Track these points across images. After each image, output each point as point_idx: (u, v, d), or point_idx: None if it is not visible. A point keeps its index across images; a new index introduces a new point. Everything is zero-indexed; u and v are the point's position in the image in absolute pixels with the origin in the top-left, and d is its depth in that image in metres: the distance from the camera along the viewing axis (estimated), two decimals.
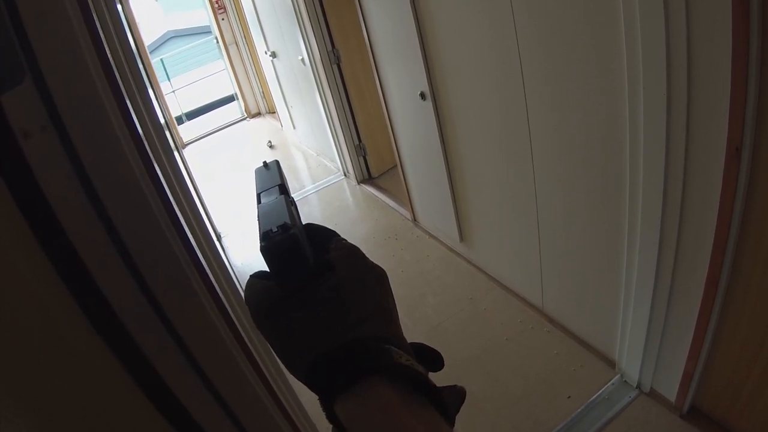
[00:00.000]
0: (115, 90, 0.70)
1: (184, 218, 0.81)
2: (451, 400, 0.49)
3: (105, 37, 0.78)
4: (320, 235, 0.57)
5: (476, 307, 3.10)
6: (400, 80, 3.26)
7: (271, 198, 0.58)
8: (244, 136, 8.19)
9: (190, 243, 0.75)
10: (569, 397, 2.38)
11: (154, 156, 0.77)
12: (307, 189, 5.40)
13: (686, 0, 1.35)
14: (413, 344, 0.53)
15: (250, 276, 0.54)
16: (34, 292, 0.61)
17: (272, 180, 0.62)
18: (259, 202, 0.58)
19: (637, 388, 2.31)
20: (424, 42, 2.73)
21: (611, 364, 2.45)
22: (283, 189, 0.59)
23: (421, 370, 0.47)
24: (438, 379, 0.48)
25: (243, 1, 6.30)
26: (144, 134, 0.78)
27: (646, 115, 1.61)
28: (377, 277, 0.54)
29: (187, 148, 8.30)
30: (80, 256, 0.63)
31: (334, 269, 0.50)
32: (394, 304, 0.55)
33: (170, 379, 0.73)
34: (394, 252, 3.85)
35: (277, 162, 0.67)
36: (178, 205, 0.79)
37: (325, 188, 5.32)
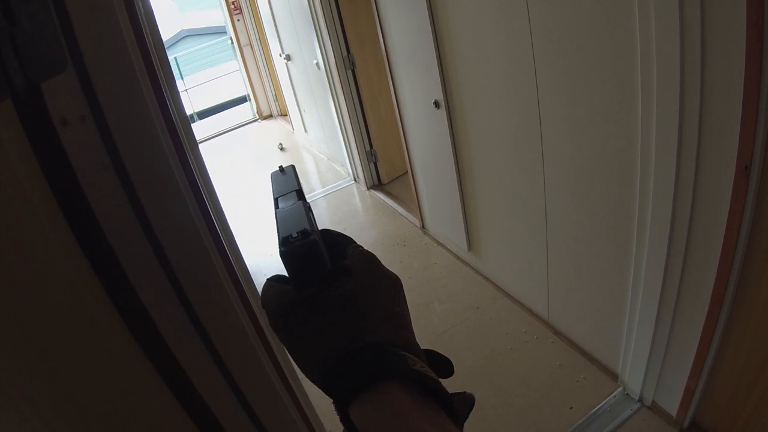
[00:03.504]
0: (154, 82, 0.71)
1: (212, 212, 0.82)
2: (460, 407, 0.50)
3: (144, 28, 0.80)
4: (337, 241, 0.58)
5: (482, 316, 3.12)
6: (414, 88, 3.28)
7: (289, 203, 0.58)
8: (255, 137, 8.21)
9: (220, 238, 0.76)
10: (571, 408, 2.39)
11: (185, 148, 0.79)
12: (316, 193, 5.41)
13: (701, 20, 1.37)
14: (424, 350, 0.55)
15: (267, 279, 0.55)
16: (67, 277, 0.63)
17: (289, 185, 0.63)
18: (276, 206, 0.59)
19: (638, 401, 2.32)
20: (440, 51, 2.75)
21: (614, 376, 2.46)
22: (301, 194, 0.60)
23: (434, 376, 0.48)
24: (445, 385, 0.50)
25: (259, 2, 6.32)
26: (176, 126, 0.80)
27: (658, 132, 1.63)
28: (392, 283, 0.55)
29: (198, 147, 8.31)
30: (112, 248, 0.65)
31: (350, 275, 0.51)
32: (408, 310, 0.56)
33: (191, 369, 0.74)
34: (402, 258, 3.86)
35: (293, 167, 0.67)
36: (206, 199, 0.81)
37: (334, 192, 5.34)
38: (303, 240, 0.50)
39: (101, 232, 0.64)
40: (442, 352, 0.56)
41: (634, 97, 1.68)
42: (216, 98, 11.28)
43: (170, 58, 11.81)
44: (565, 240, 2.41)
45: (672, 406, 2.15)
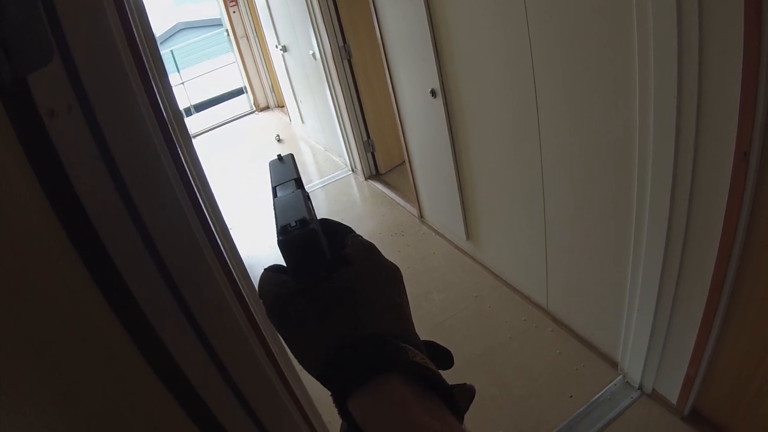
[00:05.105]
0: (143, 73, 0.70)
1: (204, 205, 0.82)
2: (461, 399, 0.49)
3: (132, 19, 0.79)
4: (336, 230, 0.57)
5: (481, 305, 3.12)
6: (411, 77, 3.26)
7: (288, 192, 0.57)
8: (253, 129, 8.20)
9: (211, 230, 0.76)
10: (571, 396, 2.39)
11: (176, 141, 0.78)
12: (314, 184, 5.41)
13: (699, 7, 1.36)
14: (424, 342, 0.54)
15: (265, 269, 0.54)
16: (60, 274, 0.62)
17: (288, 173, 0.62)
18: (275, 195, 0.58)
19: (638, 389, 2.32)
20: (437, 39, 2.74)
21: (614, 364, 2.46)
22: (299, 183, 0.60)
23: (434, 368, 0.48)
24: (444, 375, 0.49)
25: None
26: (167, 119, 0.79)
27: (656, 119, 1.62)
28: (392, 273, 0.54)
29: (195, 141, 8.30)
30: (102, 240, 0.64)
31: (350, 265, 0.50)
32: (407, 301, 0.55)
33: (186, 365, 0.74)
34: (400, 248, 3.86)
35: (292, 155, 0.66)
36: (198, 192, 0.80)
37: (332, 183, 5.33)
38: (302, 229, 0.49)
39: (91, 225, 0.63)
40: (441, 343, 0.55)
41: (631, 84, 1.67)
42: (213, 91, 11.26)
43: (166, 51, 11.84)
44: (564, 228, 2.40)
45: (672, 394, 2.15)
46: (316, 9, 4.34)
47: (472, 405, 0.51)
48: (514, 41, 2.12)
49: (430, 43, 2.75)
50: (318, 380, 0.49)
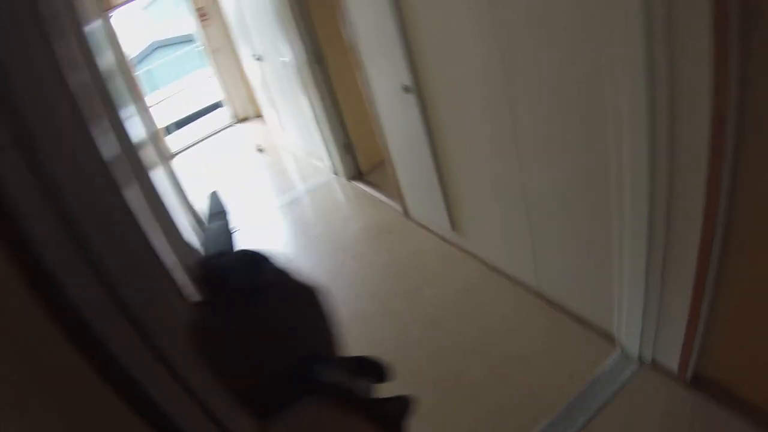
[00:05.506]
0: (85, 111, 0.70)
1: (163, 231, 0.81)
2: (395, 411, 0.51)
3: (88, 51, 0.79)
4: (254, 259, 0.58)
5: (472, 294, 3.11)
6: (383, 74, 3.25)
7: (213, 224, 0.61)
8: (234, 141, 8.18)
9: (161, 258, 0.75)
10: (571, 375, 2.38)
11: (128, 173, 0.78)
12: (298, 190, 5.39)
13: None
14: (354, 358, 0.55)
15: (189, 303, 0.56)
16: (10, 299, 0.61)
17: (217, 207, 0.65)
18: (206, 225, 0.61)
19: (638, 360, 2.31)
20: (407, 34, 2.73)
21: (611, 339, 2.45)
22: (225, 216, 0.62)
23: (361, 388, 0.50)
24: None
25: (226, 6, 6.36)
26: (115, 153, 0.79)
27: (631, 87, 1.62)
28: (311, 295, 0.55)
29: (177, 158, 8.27)
30: (52, 270, 0.63)
31: (268, 293, 0.52)
32: (331, 319, 0.56)
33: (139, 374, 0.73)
34: (388, 246, 3.84)
35: (218, 192, 0.69)
36: (155, 219, 0.80)
37: (315, 188, 5.32)
38: (219, 261, 0.52)
39: (42, 258, 0.62)
40: (374, 358, 0.56)
41: (598, 58, 1.68)
42: (192, 106, 11.23)
43: (144, 70, 11.77)
44: (545, 207, 2.40)
45: (672, 362, 2.14)
46: (287, 14, 4.32)
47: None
48: (484, 31, 2.12)
49: (399, 37, 2.75)
50: (240, 407, 0.50)
